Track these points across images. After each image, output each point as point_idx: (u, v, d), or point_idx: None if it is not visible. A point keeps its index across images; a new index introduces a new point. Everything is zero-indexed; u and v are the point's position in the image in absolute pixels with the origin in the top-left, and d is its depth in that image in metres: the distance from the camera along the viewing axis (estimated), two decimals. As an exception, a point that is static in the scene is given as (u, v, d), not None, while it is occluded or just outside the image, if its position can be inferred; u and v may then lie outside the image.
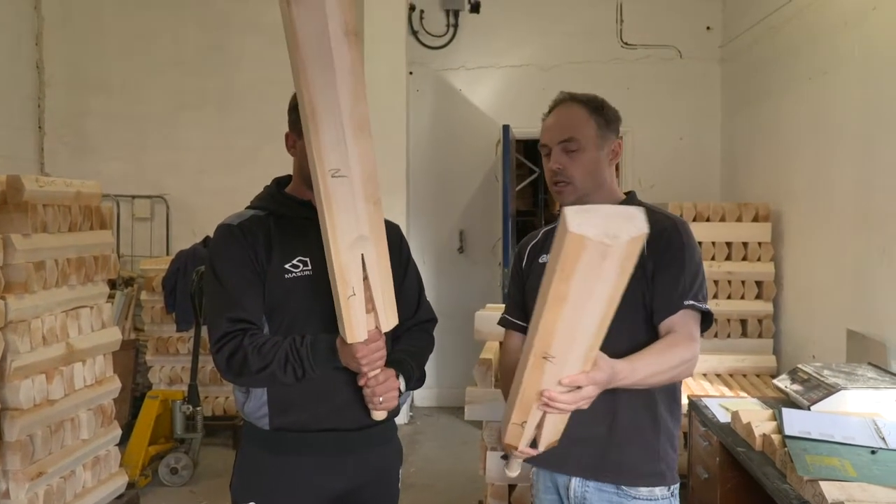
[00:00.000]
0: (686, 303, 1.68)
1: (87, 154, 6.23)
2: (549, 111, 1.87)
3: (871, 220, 3.53)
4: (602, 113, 1.82)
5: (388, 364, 1.75)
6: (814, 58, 4.19)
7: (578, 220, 1.22)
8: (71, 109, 6.27)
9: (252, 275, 1.77)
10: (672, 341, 1.65)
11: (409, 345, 1.90)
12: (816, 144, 4.14)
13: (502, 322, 1.97)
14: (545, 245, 1.89)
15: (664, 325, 1.69)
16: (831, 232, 3.94)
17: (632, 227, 1.24)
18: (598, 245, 1.21)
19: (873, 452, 2.15)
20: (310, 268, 1.79)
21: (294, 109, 1.78)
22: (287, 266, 1.78)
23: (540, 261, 1.87)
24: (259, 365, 1.68)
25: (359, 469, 1.82)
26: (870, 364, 3.07)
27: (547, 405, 1.43)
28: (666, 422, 1.77)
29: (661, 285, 1.70)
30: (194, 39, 6.18)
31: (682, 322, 1.68)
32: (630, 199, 1.87)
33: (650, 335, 1.70)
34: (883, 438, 2.25)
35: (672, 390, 1.78)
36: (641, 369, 1.57)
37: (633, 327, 1.70)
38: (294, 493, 1.77)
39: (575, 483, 1.77)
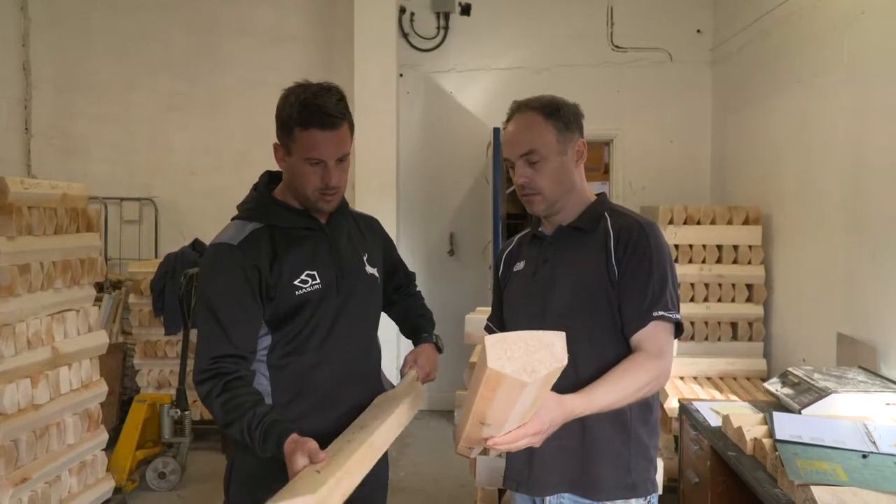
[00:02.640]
0: (655, 314, 1.64)
1: (74, 156, 6.19)
2: (507, 121, 1.83)
3: (860, 223, 3.53)
4: (559, 116, 1.76)
5: (423, 336, 2.06)
6: (804, 61, 4.20)
7: (498, 353, 1.24)
8: (58, 111, 6.23)
9: (248, 299, 1.75)
10: (636, 363, 1.61)
11: (424, 311, 2.19)
12: (806, 147, 4.15)
13: (487, 328, 2.02)
14: (520, 252, 1.92)
15: (634, 340, 1.66)
16: (821, 235, 3.95)
17: (551, 359, 1.26)
18: (516, 381, 1.24)
19: (864, 457, 2.14)
20: (318, 282, 1.81)
21: (281, 119, 1.76)
22: (296, 283, 1.79)
23: (514, 269, 1.89)
24: (223, 421, 1.68)
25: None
26: (860, 367, 3.08)
27: (490, 448, 1.46)
28: (638, 434, 1.74)
29: (629, 296, 1.67)
30: (182, 41, 6.16)
31: (652, 336, 1.64)
32: (601, 201, 1.84)
33: (626, 346, 1.68)
34: (874, 442, 2.25)
35: (646, 402, 1.74)
36: (601, 398, 1.55)
37: (608, 338, 1.69)
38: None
39: (550, 499, 1.76)
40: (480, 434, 1.43)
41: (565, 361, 1.27)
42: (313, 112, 1.72)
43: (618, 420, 1.70)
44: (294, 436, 1.57)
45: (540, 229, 1.87)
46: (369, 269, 1.94)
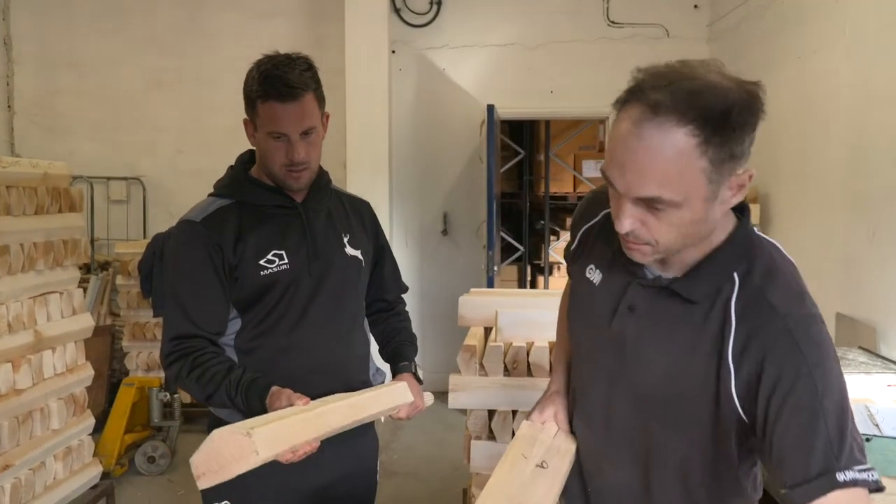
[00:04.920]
0: (842, 478, 1.03)
1: (59, 134, 6.07)
2: (618, 111, 1.08)
3: (860, 201, 3.48)
4: (724, 133, 1.01)
5: (402, 364, 1.91)
6: (803, 37, 4.12)
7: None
8: (41, 88, 6.09)
9: (211, 278, 1.68)
10: None
11: (411, 337, 2.02)
12: (805, 125, 4.08)
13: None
14: (595, 248, 1.35)
15: None
16: (820, 214, 3.89)
17: None
18: None
19: (868, 440, 2.09)
20: (286, 261, 1.72)
21: (246, 93, 1.68)
22: (262, 262, 1.70)
23: (587, 275, 1.33)
24: (202, 395, 1.65)
25: (336, 462, 1.76)
26: (860, 348, 3.03)
27: None
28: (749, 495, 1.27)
29: (787, 450, 1.06)
30: (168, 15, 6.02)
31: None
32: (734, 244, 1.16)
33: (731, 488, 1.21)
34: (877, 425, 2.20)
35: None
36: None
37: (704, 469, 1.22)
38: (270, 489, 1.69)
39: None
40: None
41: None
42: (272, 83, 1.63)
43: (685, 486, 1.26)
44: (274, 388, 1.58)
45: None
46: (350, 251, 1.83)
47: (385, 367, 1.97)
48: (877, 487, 1.04)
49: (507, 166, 6.50)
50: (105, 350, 5.00)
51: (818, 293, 3.77)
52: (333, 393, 1.70)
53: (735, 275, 1.14)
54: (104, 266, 5.51)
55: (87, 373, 3.21)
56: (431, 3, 5.90)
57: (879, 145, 3.31)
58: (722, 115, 1.00)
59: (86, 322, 3.22)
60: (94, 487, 3.23)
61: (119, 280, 5.03)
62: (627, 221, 1.09)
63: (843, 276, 3.62)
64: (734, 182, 1.07)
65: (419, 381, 1.90)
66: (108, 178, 6.01)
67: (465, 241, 6.06)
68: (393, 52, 5.76)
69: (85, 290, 4.05)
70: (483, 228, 5.81)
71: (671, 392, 1.20)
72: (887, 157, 3.23)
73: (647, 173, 1.03)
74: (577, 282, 1.39)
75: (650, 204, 1.06)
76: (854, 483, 1.02)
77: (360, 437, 1.84)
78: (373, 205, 2.05)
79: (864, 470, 1.04)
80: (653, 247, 1.12)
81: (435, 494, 4.03)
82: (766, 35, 4.64)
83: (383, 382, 1.92)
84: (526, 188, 7.00)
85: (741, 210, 1.18)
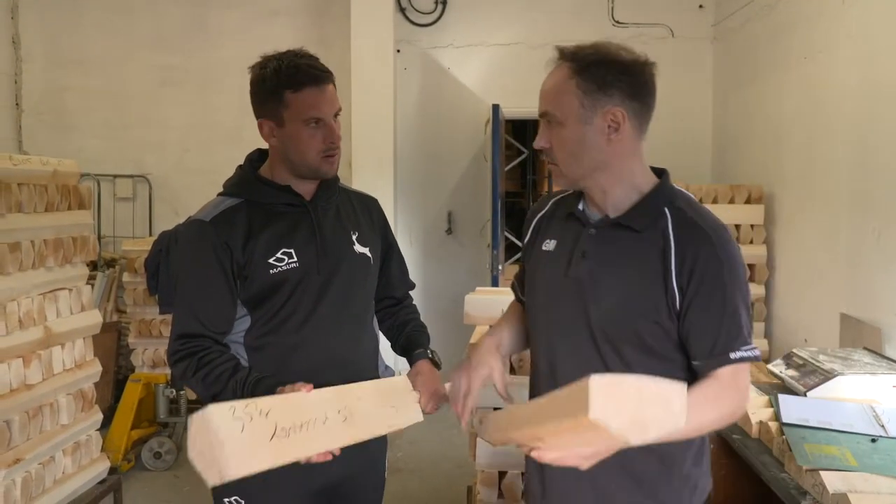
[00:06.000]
0: (734, 356, 1.40)
1: (66, 132, 6.09)
2: None
3: (865, 201, 3.48)
4: (591, 73, 1.43)
5: (416, 352, 1.87)
6: (809, 37, 4.12)
7: (604, 400, 0.98)
8: (49, 86, 6.12)
9: (219, 278, 1.69)
10: (710, 395, 1.39)
11: (422, 326, 2.01)
12: (810, 125, 4.09)
13: (512, 286, 1.83)
14: (551, 225, 1.63)
15: (705, 376, 1.44)
16: (825, 214, 3.90)
17: (666, 416, 1.02)
18: (619, 438, 1.01)
19: (873, 440, 2.11)
20: (295, 260, 1.73)
21: (265, 90, 1.71)
22: (271, 260, 1.72)
23: (544, 247, 1.60)
24: (207, 395, 1.65)
25: (345, 458, 1.76)
26: (865, 349, 3.04)
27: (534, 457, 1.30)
28: (689, 475, 1.53)
29: (698, 330, 1.42)
30: (174, 14, 6.04)
31: (729, 373, 1.41)
32: (661, 190, 1.50)
33: (689, 377, 1.45)
34: (882, 426, 2.21)
35: (701, 444, 1.54)
36: None
37: (667, 363, 1.46)
38: (280, 485, 1.71)
39: None
40: (527, 445, 1.30)
41: (682, 424, 1.05)
42: (305, 71, 1.69)
43: (668, 462, 1.50)
44: (281, 388, 1.58)
45: (580, 207, 1.56)
46: (359, 248, 1.85)
47: (395, 365, 1.98)
48: (757, 359, 1.43)
49: (511, 165, 6.52)
50: (111, 346, 5.02)
51: (823, 293, 3.77)
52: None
53: (665, 209, 1.46)
54: (111, 263, 5.53)
55: (96, 369, 3.23)
56: (436, 3, 5.91)
57: (885, 146, 3.32)
58: (594, 62, 1.44)
59: (94, 318, 3.24)
60: (101, 482, 3.25)
61: (125, 277, 5.05)
62: (541, 140, 1.50)
63: (848, 276, 3.63)
64: (607, 115, 1.43)
65: (438, 366, 1.86)
66: (115, 176, 6.04)
67: (469, 239, 6.07)
68: (398, 51, 5.78)
69: (92, 286, 4.07)
70: (487, 227, 5.83)
71: (628, 325, 1.44)
72: (893, 158, 3.24)
73: (544, 95, 1.49)
74: (534, 259, 1.64)
75: (548, 122, 1.48)
76: (741, 360, 1.41)
77: None
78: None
79: (750, 349, 1.42)
80: (557, 166, 1.49)
81: (440, 492, 4.05)
82: (772, 35, 4.65)
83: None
84: (529, 187, 7.01)
85: (662, 174, 1.55)
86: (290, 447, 1.42)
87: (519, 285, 1.77)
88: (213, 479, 1.32)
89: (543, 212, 1.67)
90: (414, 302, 2.10)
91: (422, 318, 2.04)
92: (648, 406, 1.01)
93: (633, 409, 1.00)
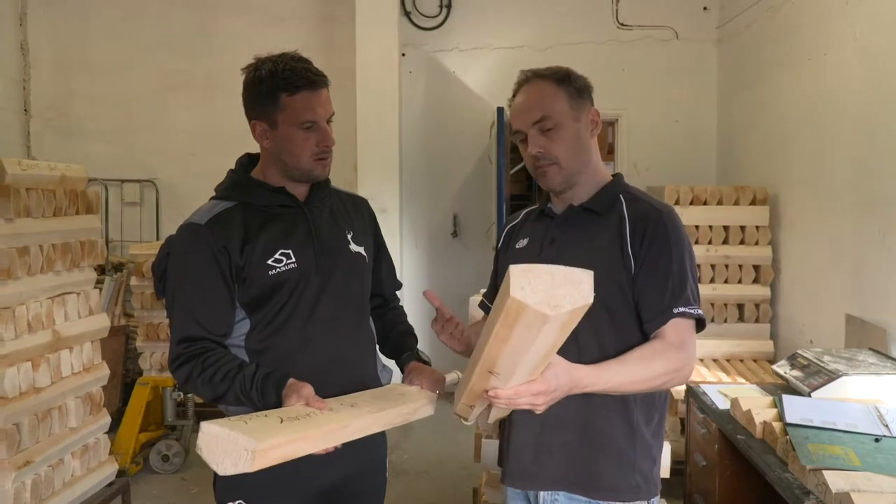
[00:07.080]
0: (676, 310, 1.56)
1: (74, 137, 6.14)
2: (514, 93, 1.73)
3: (870, 203, 3.48)
4: (570, 82, 1.67)
5: (405, 355, 1.93)
6: (813, 38, 4.13)
7: (522, 283, 1.17)
8: (57, 91, 6.17)
9: (217, 281, 1.70)
10: (654, 349, 1.54)
11: (409, 328, 2.06)
12: (815, 127, 4.09)
13: (481, 305, 2.00)
14: (524, 228, 1.84)
15: (653, 336, 1.59)
16: (830, 215, 3.90)
17: (577, 295, 1.19)
18: (538, 314, 1.17)
19: (877, 440, 2.11)
20: (293, 260, 1.74)
21: (259, 92, 1.73)
22: (270, 262, 1.72)
23: (517, 246, 1.80)
24: (214, 395, 1.66)
25: (346, 460, 1.77)
26: (870, 349, 3.04)
27: (491, 401, 1.38)
28: (642, 432, 1.64)
29: (647, 290, 1.58)
30: (181, 20, 6.08)
31: (673, 331, 1.56)
32: (617, 182, 1.73)
33: (636, 340, 1.60)
34: (886, 426, 2.21)
35: (650, 399, 1.66)
36: (611, 377, 1.47)
37: (624, 329, 1.60)
38: (282, 488, 1.72)
39: (544, 494, 1.67)
40: (486, 384, 1.37)
41: (591, 300, 1.20)
42: (301, 74, 1.70)
43: (623, 417, 1.63)
44: (292, 380, 1.60)
45: (549, 205, 1.77)
46: (354, 248, 1.87)
47: (393, 365, 1.99)
48: (701, 319, 1.60)
49: (516, 168, 6.52)
50: (119, 350, 5.06)
51: (828, 294, 3.77)
52: (347, 389, 1.74)
53: (620, 196, 1.68)
54: (118, 267, 5.57)
55: (104, 372, 3.26)
56: (441, 7, 5.94)
57: (890, 147, 3.32)
58: (566, 74, 1.69)
59: (102, 322, 3.26)
60: (110, 485, 3.27)
61: (133, 281, 5.09)
62: (534, 148, 1.66)
63: (853, 277, 3.63)
64: (590, 114, 1.69)
65: (426, 362, 1.94)
66: (122, 181, 6.08)
67: (475, 242, 6.09)
68: (403, 54, 5.80)
69: (100, 290, 4.11)
70: (493, 230, 5.84)
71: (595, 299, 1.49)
72: (897, 159, 3.24)
73: (533, 105, 1.67)
74: (506, 259, 1.79)
75: (543, 128, 1.65)
76: (683, 315, 1.56)
77: (370, 436, 1.86)
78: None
79: (693, 308, 1.58)
80: (557, 165, 1.66)
81: (445, 493, 4.06)
82: (776, 37, 4.65)
83: (390, 379, 1.94)
84: (535, 190, 7.01)
85: (617, 175, 1.77)
86: (301, 426, 1.47)
87: (491, 294, 1.89)
88: (243, 461, 1.38)
89: (515, 222, 1.91)
90: (401, 303, 2.13)
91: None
92: (561, 286, 1.18)
93: (548, 288, 1.17)
